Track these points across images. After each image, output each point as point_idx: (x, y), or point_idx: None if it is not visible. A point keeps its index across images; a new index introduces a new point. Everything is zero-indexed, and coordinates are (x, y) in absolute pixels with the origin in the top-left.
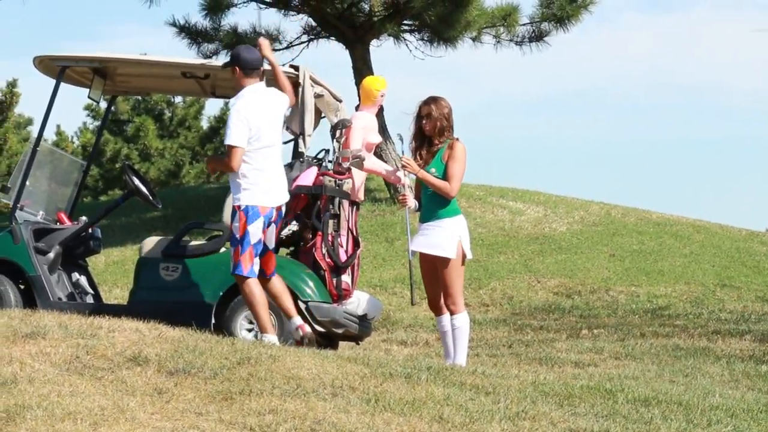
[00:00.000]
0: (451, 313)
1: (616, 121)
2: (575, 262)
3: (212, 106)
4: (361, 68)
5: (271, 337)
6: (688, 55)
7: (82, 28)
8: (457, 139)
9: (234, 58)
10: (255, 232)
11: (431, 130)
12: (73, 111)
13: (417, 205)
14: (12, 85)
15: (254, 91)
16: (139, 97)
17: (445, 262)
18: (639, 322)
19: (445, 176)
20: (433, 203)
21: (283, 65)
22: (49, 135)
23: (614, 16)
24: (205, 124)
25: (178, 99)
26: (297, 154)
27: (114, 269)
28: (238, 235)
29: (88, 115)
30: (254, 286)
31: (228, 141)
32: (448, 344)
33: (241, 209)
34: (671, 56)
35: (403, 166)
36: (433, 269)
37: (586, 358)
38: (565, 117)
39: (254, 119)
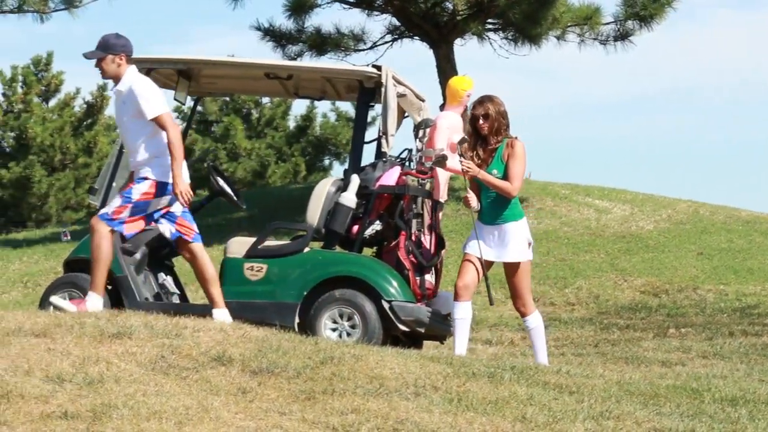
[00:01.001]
0: (524, 315)
1: (705, 119)
2: (662, 261)
3: (299, 106)
4: (445, 67)
5: (96, 300)
6: None
7: (171, 31)
8: (516, 137)
9: (120, 47)
10: (156, 204)
11: (489, 130)
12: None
13: (479, 204)
14: (102, 88)
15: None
16: (227, 98)
17: (515, 266)
18: (727, 321)
19: (505, 176)
20: (497, 205)
21: (366, 65)
22: None
23: (704, 13)
24: (292, 123)
25: (266, 99)
26: (380, 154)
27: None
28: (134, 199)
29: (177, 117)
30: (105, 241)
31: (159, 110)
32: (461, 333)
33: (157, 185)
34: (763, 53)
35: (464, 171)
36: (480, 263)
37: (674, 357)
38: (654, 115)
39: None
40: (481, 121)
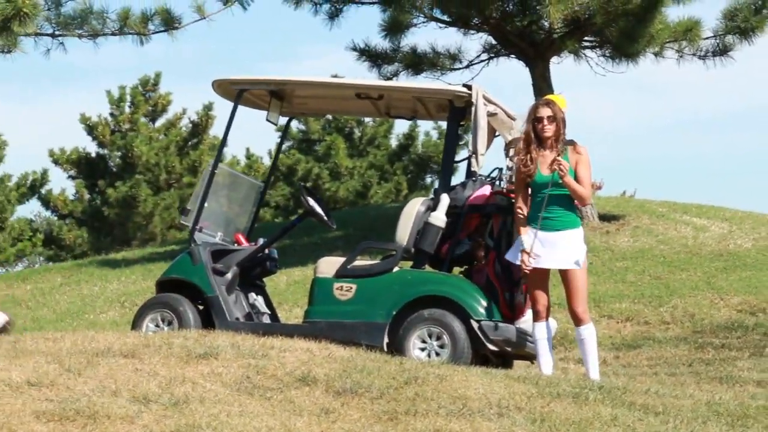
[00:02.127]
0: (581, 323)
1: None
2: (760, 279)
3: (401, 124)
4: (541, 86)
5: None
6: None
7: (278, 50)
8: (576, 142)
9: None
10: None
11: (555, 133)
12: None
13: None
14: (207, 108)
15: None
16: (329, 116)
17: (577, 272)
18: None
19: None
20: (561, 211)
21: (459, 85)
22: (241, 157)
23: None
24: (394, 142)
25: (368, 118)
26: (470, 173)
27: (295, 289)
28: None
29: (280, 137)
30: None
31: None
32: (544, 353)
33: None
34: None
35: (557, 170)
36: (547, 278)
37: None
38: (754, 131)
39: None
40: (546, 123)
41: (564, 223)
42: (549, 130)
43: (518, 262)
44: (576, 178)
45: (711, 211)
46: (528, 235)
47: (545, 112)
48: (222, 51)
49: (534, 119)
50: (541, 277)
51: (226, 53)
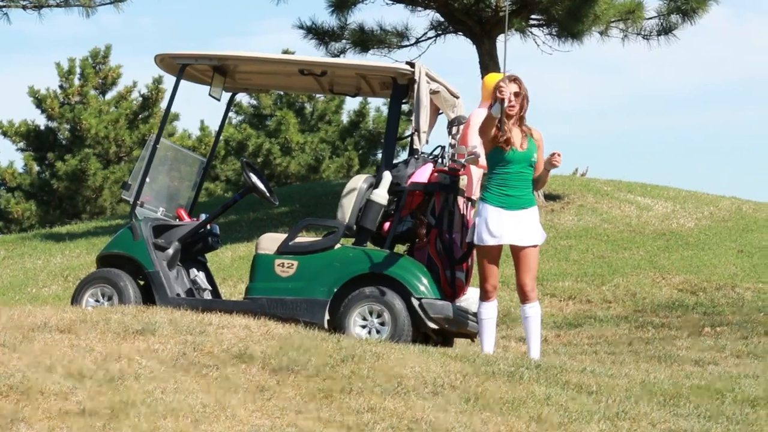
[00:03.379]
0: (528, 300)
1: (751, 115)
2: (702, 259)
3: (352, 100)
4: (488, 63)
5: None
6: None
7: (231, 25)
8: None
9: None
10: None
11: (520, 110)
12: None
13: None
14: (158, 81)
15: None
16: (281, 92)
17: (535, 249)
18: (764, 320)
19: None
20: (525, 191)
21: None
22: (194, 130)
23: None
24: (345, 118)
25: (312, 94)
26: (412, 151)
27: (240, 264)
28: None
29: (232, 110)
30: None
31: None
32: (490, 333)
33: None
34: None
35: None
36: (499, 257)
37: (707, 357)
38: (699, 111)
39: None
40: (513, 99)
41: (529, 201)
42: (515, 105)
43: (477, 241)
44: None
45: (655, 190)
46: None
47: (512, 87)
48: (176, 25)
49: (499, 92)
50: (496, 255)
51: (180, 27)
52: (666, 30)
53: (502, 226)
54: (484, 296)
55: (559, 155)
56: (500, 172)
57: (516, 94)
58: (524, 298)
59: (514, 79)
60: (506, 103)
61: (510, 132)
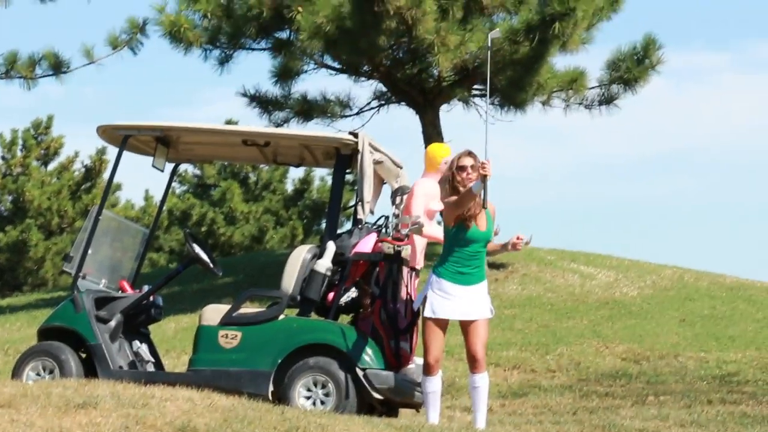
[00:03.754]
0: (478, 370)
1: (692, 183)
2: (644, 328)
3: (297, 170)
4: (431, 133)
5: None
6: None
7: (174, 94)
8: None
9: None
10: None
11: (477, 179)
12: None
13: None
14: (101, 152)
15: None
16: (225, 162)
17: (487, 321)
18: (707, 389)
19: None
20: (479, 268)
21: (345, 132)
22: (138, 200)
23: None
24: (290, 187)
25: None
26: (356, 221)
27: (183, 336)
28: None
29: (175, 180)
30: None
31: None
32: (435, 405)
33: None
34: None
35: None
36: (445, 331)
37: (651, 426)
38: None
39: None
40: (470, 172)
41: (481, 276)
42: (472, 179)
43: (428, 314)
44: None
45: (598, 259)
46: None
47: (468, 161)
48: (119, 94)
49: (457, 168)
50: (442, 330)
51: (122, 97)
52: (608, 100)
53: (454, 300)
54: (428, 370)
55: (519, 239)
56: (458, 250)
57: (473, 168)
58: (475, 367)
59: (469, 154)
60: (486, 180)
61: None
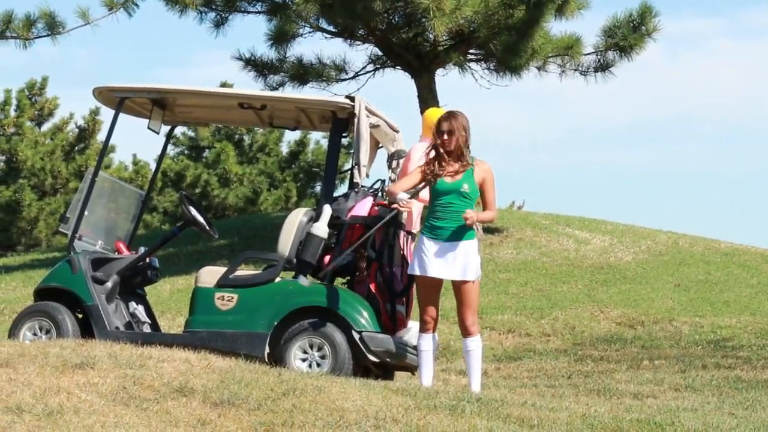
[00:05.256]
0: (470, 335)
1: (689, 150)
2: (639, 292)
3: (292, 132)
4: (426, 97)
5: None
6: None
7: (170, 56)
8: (474, 157)
9: None
10: None
11: (456, 147)
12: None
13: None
14: (95, 113)
15: None
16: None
17: (472, 284)
18: (701, 354)
19: (481, 199)
20: (454, 223)
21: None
22: (128, 163)
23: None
24: (285, 149)
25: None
26: (352, 185)
27: (179, 297)
28: None
29: (163, 145)
30: None
31: None
32: (428, 364)
33: None
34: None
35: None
36: (439, 289)
37: (646, 390)
38: (635, 146)
39: None
40: (445, 137)
41: (462, 234)
42: (448, 143)
43: (432, 273)
44: (481, 196)
45: (593, 224)
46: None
47: (444, 126)
48: (113, 57)
49: (437, 132)
50: (434, 288)
51: (117, 59)
52: (603, 66)
53: (433, 258)
54: (422, 327)
55: (467, 216)
56: (432, 204)
57: (449, 132)
58: (465, 332)
59: (447, 117)
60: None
61: (439, 168)
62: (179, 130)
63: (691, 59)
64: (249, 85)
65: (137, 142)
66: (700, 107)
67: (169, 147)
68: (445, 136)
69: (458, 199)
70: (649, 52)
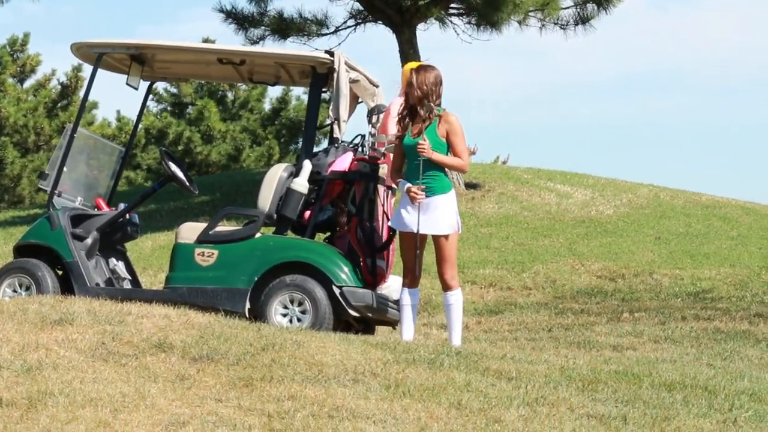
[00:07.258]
0: (450, 289)
1: (669, 103)
2: (620, 246)
3: (274, 89)
4: (408, 52)
5: None
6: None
7: (155, 12)
8: (445, 109)
9: None
10: None
11: (417, 100)
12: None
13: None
14: (77, 69)
15: None
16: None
17: (450, 238)
18: (681, 306)
19: (449, 152)
20: (430, 178)
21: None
22: (111, 119)
23: None
24: (267, 106)
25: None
26: (332, 140)
27: (160, 254)
28: None
29: (152, 99)
30: None
31: None
32: (408, 318)
33: None
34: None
35: (420, 151)
36: (415, 244)
37: (625, 342)
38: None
39: None
40: (407, 90)
41: (436, 188)
42: (410, 97)
43: (401, 228)
44: (450, 148)
45: (575, 178)
46: (401, 183)
47: (413, 77)
48: (97, 13)
49: (408, 83)
50: (408, 241)
51: (101, 15)
52: (583, 20)
53: (408, 212)
54: (406, 281)
55: (421, 145)
56: (408, 160)
57: (409, 85)
58: (444, 286)
59: (416, 70)
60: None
61: (409, 122)
62: (161, 86)
63: (671, 11)
64: (231, 40)
65: (121, 98)
66: (681, 59)
67: (152, 104)
68: (408, 89)
69: (419, 156)
70: (628, 4)
